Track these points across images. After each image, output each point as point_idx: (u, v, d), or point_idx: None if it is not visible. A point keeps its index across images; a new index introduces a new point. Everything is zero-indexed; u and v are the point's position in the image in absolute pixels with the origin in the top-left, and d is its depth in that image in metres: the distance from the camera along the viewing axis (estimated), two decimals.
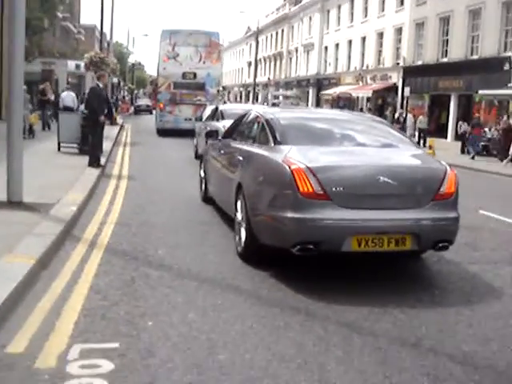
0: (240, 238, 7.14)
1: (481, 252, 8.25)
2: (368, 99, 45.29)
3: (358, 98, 46.63)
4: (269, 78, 70.97)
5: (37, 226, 7.77)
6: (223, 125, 14.21)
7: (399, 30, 41.98)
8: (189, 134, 26.99)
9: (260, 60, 74.19)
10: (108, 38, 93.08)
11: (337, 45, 53.72)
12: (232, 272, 6.61)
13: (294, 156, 6.32)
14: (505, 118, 26.96)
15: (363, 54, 48.21)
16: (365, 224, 6.05)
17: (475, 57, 32.79)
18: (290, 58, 67.67)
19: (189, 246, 7.67)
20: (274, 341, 4.81)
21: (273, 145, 6.92)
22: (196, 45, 30.02)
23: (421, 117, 31.90)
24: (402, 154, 6.97)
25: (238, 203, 7.29)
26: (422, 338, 5.04)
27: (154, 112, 60.52)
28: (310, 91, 59.56)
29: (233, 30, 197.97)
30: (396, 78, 41.71)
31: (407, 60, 40.01)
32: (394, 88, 41.98)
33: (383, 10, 44.51)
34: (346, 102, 42.09)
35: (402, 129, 27.34)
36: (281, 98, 26.08)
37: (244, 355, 4.50)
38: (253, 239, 6.73)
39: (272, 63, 74.86)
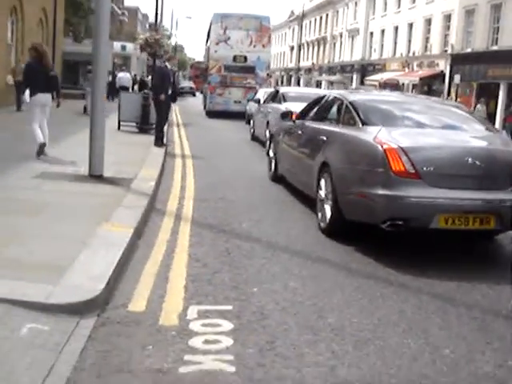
0: (323, 215, 7.41)
1: None
2: (414, 86, 45.00)
3: (403, 84, 46.34)
4: (313, 63, 70.80)
5: (124, 198, 8.14)
6: (285, 107, 14.46)
7: (448, 17, 41.54)
8: (237, 116, 27.48)
9: (303, 44, 74.01)
10: (150, 19, 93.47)
11: (383, 31, 53.37)
12: (318, 246, 6.89)
13: (385, 136, 6.57)
14: None
15: (410, 41, 47.82)
16: (453, 203, 6.26)
17: None
18: (334, 43, 67.40)
19: (271, 221, 7.98)
20: (376, 308, 5.08)
21: (361, 126, 7.16)
22: (247, 28, 30.32)
23: (478, 105, 31.31)
24: (487, 137, 7.16)
25: (322, 181, 7.55)
26: None
27: (196, 94, 61.19)
28: (354, 77, 59.34)
29: (275, 14, 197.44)
30: (443, 66, 41.35)
31: (455, 47, 39.62)
32: (441, 75, 41.64)
33: None
34: (392, 89, 41.89)
35: None
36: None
37: (351, 319, 4.78)
38: (338, 215, 6.99)
39: (315, 48, 74.62)
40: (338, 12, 66.76)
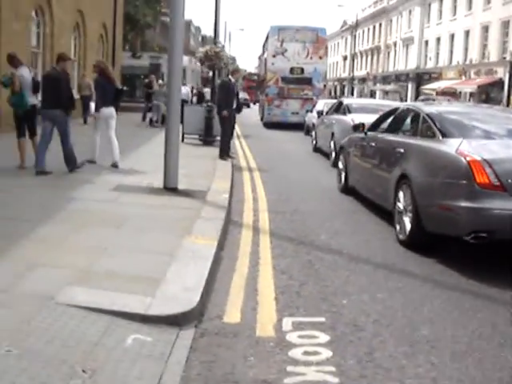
0: (402, 227, 7.42)
1: None
2: (471, 94, 44.42)
3: (460, 93, 45.79)
4: (367, 73, 70.57)
5: (201, 210, 8.31)
6: (351, 118, 14.50)
7: (506, 23, 41.00)
8: (295, 127, 27.84)
9: (356, 54, 73.81)
10: (202, 32, 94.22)
11: (438, 39, 52.92)
12: (399, 257, 6.90)
13: (467, 148, 6.57)
14: None
15: (466, 48, 47.29)
16: None
17: None
18: (388, 52, 67.05)
19: (348, 233, 8.03)
20: (467, 320, 5.08)
21: (441, 138, 7.17)
22: (303, 41, 30.65)
23: None
24: None
25: (400, 193, 7.55)
26: None
27: (251, 105, 61.60)
28: (409, 86, 58.92)
29: (327, 24, 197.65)
30: (502, 73, 40.74)
31: None
32: (499, 83, 41.03)
33: (489, 3, 43.58)
34: (450, 97, 41.45)
35: None
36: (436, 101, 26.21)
37: (445, 331, 4.80)
38: (418, 227, 7.00)
39: (369, 57, 74.38)
40: (391, 21, 66.44)
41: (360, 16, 72.57)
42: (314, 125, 22.15)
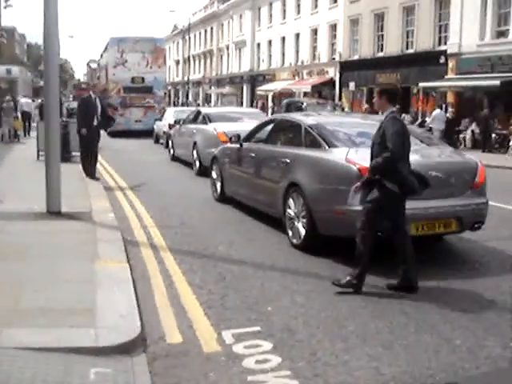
0: (295, 232, 7.96)
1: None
2: (305, 94, 46.42)
3: (295, 93, 47.71)
4: (203, 76, 71.41)
5: (96, 233, 8.35)
6: (213, 127, 14.99)
7: (334, 27, 43.18)
8: (139, 134, 29.49)
9: (189, 58, 74.48)
10: (27, 39, 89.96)
11: (270, 41, 54.64)
12: (299, 261, 7.44)
13: (354, 157, 7.22)
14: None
15: (298, 50, 49.29)
16: (423, 212, 7.01)
17: (411, 51, 34.28)
18: (221, 56, 68.29)
19: (243, 242, 8.45)
20: (382, 312, 5.72)
21: (327, 148, 7.76)
22: (143, 51, 31.90)
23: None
24: (442, 151, 7.99)
25: (290, 201, 8.07)
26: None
27: None
28: (244, 88, 60.41)
29: (158, 29, 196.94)
30: (333, 73, 42.98)
31: (343, 55, 41.31)
32: (331, 82, 43.26)
33: (316, 7, 45.68)
34: (287, 97, 43.06)
35: None
36: (305, 104, 27.24)
37: (367, 325, 5.41)
38: (313, 231, 7.56)
39: (202, 61, 75.31)
40: (222, 25, 67.71)
41: (191, 20, 73.19)
42: (165, 133, 22.42)
